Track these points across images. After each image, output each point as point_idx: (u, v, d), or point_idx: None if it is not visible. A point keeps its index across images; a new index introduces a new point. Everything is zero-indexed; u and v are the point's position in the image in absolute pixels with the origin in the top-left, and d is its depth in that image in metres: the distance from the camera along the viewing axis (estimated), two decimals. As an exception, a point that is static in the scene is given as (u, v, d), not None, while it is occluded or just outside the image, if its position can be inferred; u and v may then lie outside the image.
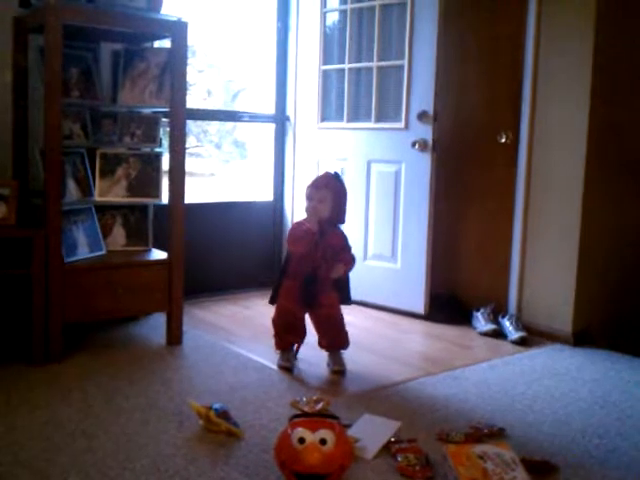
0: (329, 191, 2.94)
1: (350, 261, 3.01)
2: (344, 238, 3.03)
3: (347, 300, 3.11)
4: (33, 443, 2.21)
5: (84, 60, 3.29)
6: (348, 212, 3.06)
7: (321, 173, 3.10)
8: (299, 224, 3.02)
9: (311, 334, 3.09)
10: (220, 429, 2.32)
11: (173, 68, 3.17)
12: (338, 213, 3.00)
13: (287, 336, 3.06)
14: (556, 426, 2.53)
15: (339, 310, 3.06)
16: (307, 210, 2.98)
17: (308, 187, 3.00)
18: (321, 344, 3.10)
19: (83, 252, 3.17)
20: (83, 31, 3.11)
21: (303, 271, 2.97)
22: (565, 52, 3.53)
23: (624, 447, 2.36)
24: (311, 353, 3.13)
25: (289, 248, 3.05)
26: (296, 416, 2.14)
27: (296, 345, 3.10)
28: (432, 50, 3.75)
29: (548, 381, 3.02)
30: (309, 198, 2.97)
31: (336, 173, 3.03)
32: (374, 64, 4.05)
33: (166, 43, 3.37)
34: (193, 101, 5.99)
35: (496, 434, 2.39)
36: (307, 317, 3.08)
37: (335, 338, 3.07)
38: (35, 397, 2.59)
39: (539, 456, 2.20)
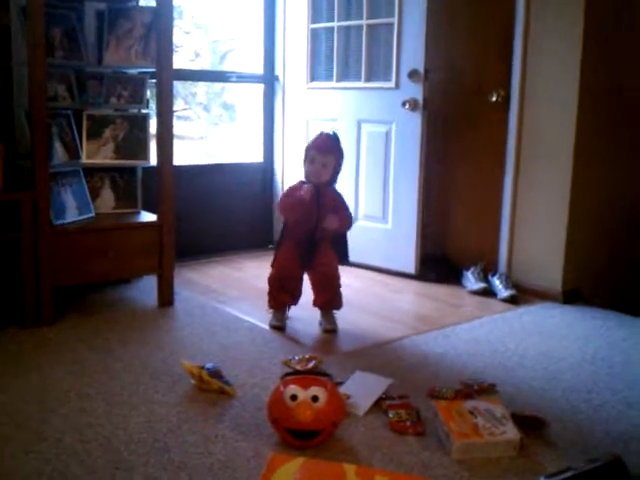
0: (334, 157, 2.92)
1: (346, 218, 3.00)
2: (339, 195, 3.03)
3: (345, 260, 3.11)
4: (27, 405, 2.22)
5: (68, 20, 3.21)
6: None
7: (321, 133, 2.99)
8: (293, 190, 2.96)
9: (303, 294, 3.10)
10: (212, 388, 2.33)
11: (158, 26, 3.12)
12: (333, 175, 2.98)
13: (281, 295, 3.06)
14: (546, 382, 2.56)
15: (336, 270, 3.07)
16: (308, 173, 2.94)
17: (311, 149, 2.93)
18: (315, 303, 3.11)
19: (72, 215, 3.15)
20: (66, -11, 3.05)
21: (300, 233, 2.96)
22: (557, 8, 3.48)
23: (613, 402, 2.40)
24: (303, 313, 3.14)
25: (282, 215, 3.02)
26: (288, 374, 2.15)
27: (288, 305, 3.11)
28: (422, 7, 3.68)
29: (538, 338, 3.05)
30: (311, 161, 2.92)
31: (335, 134, 2.97)
32: (364, 22, 3.99)
33: (151, 2, 3.30)
34: (180, 63, 5.91)
35: (486, 390, 2.41)
36: (305, 278, 3.08)
37: (330, 298, 3.08)
38: (28, 360, 2.60)
39: (529, 411, 2.22)
